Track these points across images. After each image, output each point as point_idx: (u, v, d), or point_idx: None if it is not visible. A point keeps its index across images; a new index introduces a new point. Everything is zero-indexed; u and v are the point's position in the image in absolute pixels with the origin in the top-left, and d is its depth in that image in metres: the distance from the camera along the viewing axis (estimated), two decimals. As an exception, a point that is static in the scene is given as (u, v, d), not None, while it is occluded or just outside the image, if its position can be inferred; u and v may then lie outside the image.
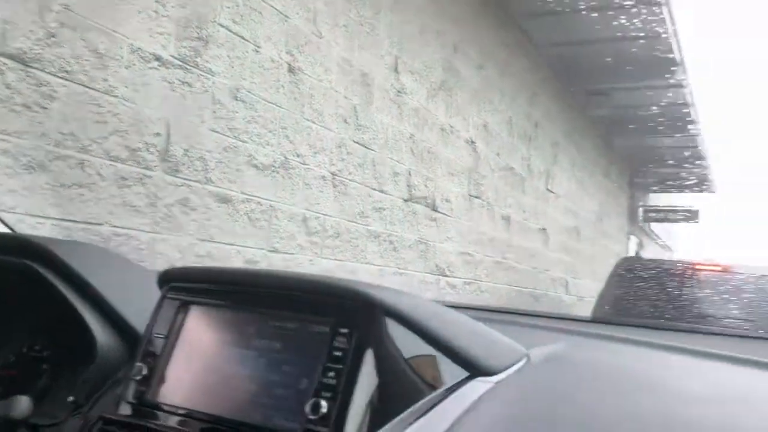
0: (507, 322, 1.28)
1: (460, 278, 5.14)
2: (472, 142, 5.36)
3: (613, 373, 0.89)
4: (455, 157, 5.04)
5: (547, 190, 7.30)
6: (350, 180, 3.67)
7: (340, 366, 0.76)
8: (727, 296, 4.21)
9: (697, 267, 4.55)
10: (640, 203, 12.67)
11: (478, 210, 5.47)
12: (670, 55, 6.97)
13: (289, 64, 3.24)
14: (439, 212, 4.78)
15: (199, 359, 0.89)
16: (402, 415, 0.71)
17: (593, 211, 9.39)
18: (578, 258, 8.62)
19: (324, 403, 0.74)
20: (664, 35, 6.48)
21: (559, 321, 1.55)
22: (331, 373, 0.76)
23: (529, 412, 0.73)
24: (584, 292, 8.80)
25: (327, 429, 0.73)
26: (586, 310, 8.94)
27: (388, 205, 4.05)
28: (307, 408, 0.74)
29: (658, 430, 0.69)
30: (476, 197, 5.43)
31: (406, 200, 4.29)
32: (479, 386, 0.76)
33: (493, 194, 5.78)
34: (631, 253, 12.67)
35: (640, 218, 12.60)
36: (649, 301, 4.26)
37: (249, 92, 3.02)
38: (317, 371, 0.77)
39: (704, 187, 13.04)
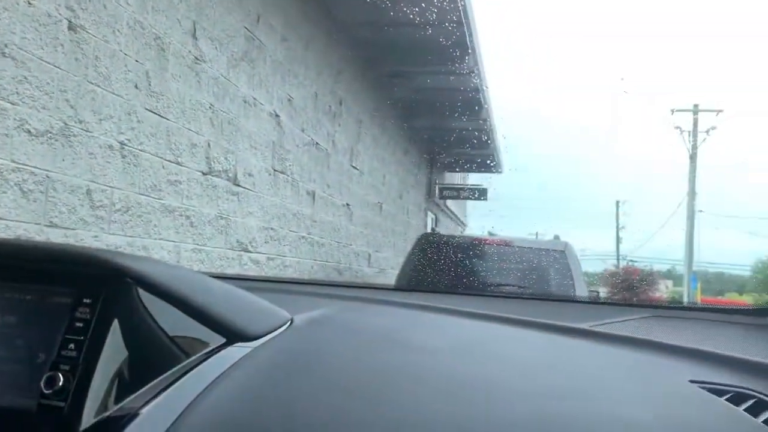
0: (283, 290, 1.30)
1: (263, 254, 5.10)
2: (276, 115, 5.30)
3: (371, 332, 0.93)
4: (258, 130, 4.95)
5: (352, 166, 7.49)
6: (141, 150, 3.43)
7: (81, 337, 0.72)
8: (505, 263, 5.03)
9: (483, 240, 5.33)
10: (437, 181, 13.55)
11: (282, 185, 5.45)
12: (465, 42, 7.48)
13: (70, 21, 2.93)
14: (241, 186, 4.67)
15: None
16: (151, 383, 0.70)
17: (394, 188, 9.83)
18: (380, 232, 9.00)
19: (61, 376, 0.70)
20: (459, 23, 6.92)
21: (334, 288, 1.59)
22: (71, 345, 0.72)
23: (286, 372, 0.74)
24: (385, 264, 9.22)
25: (64, 403, 0.69)
26: (386, 281, 9.39)
27: (185, 178, 3.87)
28: (42, 382, 0.70)
29: (401, 379, 0.74)
30: (281, 172, 5.40)
31: (204, 173, 4.13)
32: (236, 351, 0.76)
33: (298, 169, 5.79)
34: (429, 227, 13.53)
35: (437, 195, 13.47)
36: (445, 270, 4.80)
37: (20, 49, 2.67)
38: (56, 344, 0.72)
39: (493, 167, 14.30)
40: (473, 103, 10.53)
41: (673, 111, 26.29)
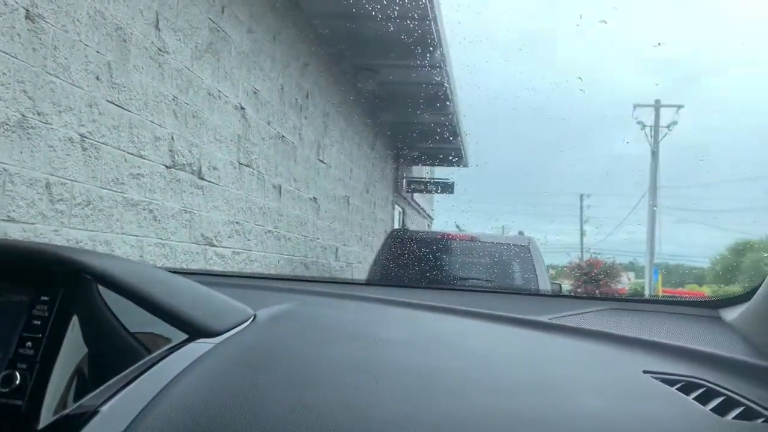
0: (248, 286, 1.29)
1: (228, 248, 5.05)
2: (242, 108, 5.25)
3: (334, 326, 0.94)
4: (223, 123, 4.90)
5: (319, 160, 7.46)
6: (103, 143, 3.37)
7: (39, 335, 0.71)
8: (472, 258, 5.28)
9: (451, 236, 5.55)
10: (404, 175, 13.59)
11: (248, 178, 5.40)
12: (431, 36, 7.50)
13: (27, 10, 2.85)
14: (205, 180, 4.62)
15: None
16: (111, 381, 0.70)
17: (361, 181, 9.83)
18: (347, 226, 8.99)
19: (18, 375, 0.69)
20: (425, 17, 6.93)
21: (299, 282, 1.60)
22: (29, 343, 0.71)
23: (248, 368, 0.74)
24: (353, 258, 9.22)
25: (21, 402, 0.68)
26: (354, 275, 9.40)
27: (148, 172, 3.81)
28: None
29: (363, 373, 0.75)
30: (246, 165, 5.35)
31: (168, 167, 4.07)
32: (198, 348, 0.77)
33: (264, 162, 5.74)
34: (397, 221, 13.57)
35: (404, 189, 13.51)
36: (415, 264, 5.01)
37: (-26, 37, 2.60)
38: (13, 342, 0.71)
39: (458, 161, 14.40)
40: (439, 98, 10.57)
41: (635, 106, 26.87)
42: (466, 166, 14.90)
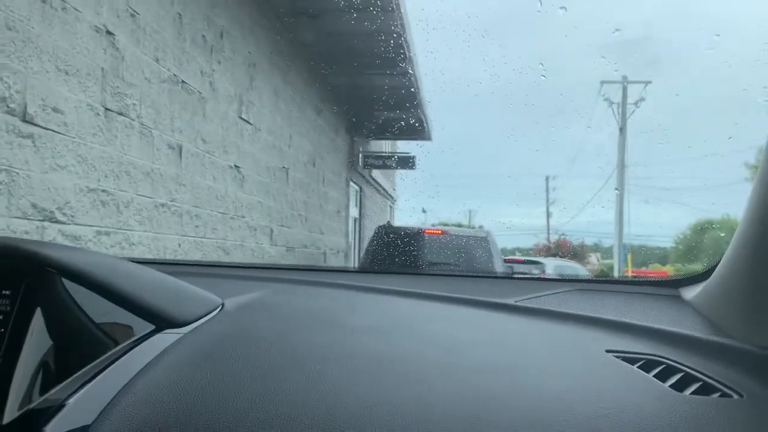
0: (216, 275, 1.29)
1: (87, 225, 3.60)
2: (109, 32, 3.77)
3: (302, 314, 0.94)
4: (73, 47, 3.42)
5: (241, 119, 6.00)
6: None
7: (1, 330, 0.72)
8: (443, 248, 6.49)
9: (426, 231, 6.83)
10: (360, 149, 12.16)
11: (122, 131, 3.93)
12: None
13: None
14: (37, 125, 3.15)
15: None
16: (77, 374, 0.70)
17: (305, 152, 8.38)
18: (287, 203, 7.56)
19: None
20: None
21: (270, 271, 1.51)
22: None
23: (216, 358, 0.74)
24: (295, 242, 7.80)
25: None
26: (296, 261, 8.00)
27: None
28: None
29: (330, 360, 0.75)
30: (118, 113, 3.89)
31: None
32: (166, 338, 0.77)
33: (151, 113, 4.28)
34: (352, 200, 12.16)
35: (360, 164, 12.10)
36: (398, 254, 6.24)
37: None
38: None
39: (420, 133, 13.02)
40: (396, 58, 9.19)
41: (602, 83, 26.11)
42: (429, 139, 13.55)
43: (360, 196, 12.91)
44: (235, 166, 5.85)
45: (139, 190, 4.15)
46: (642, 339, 0.92)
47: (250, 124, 6.22)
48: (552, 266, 12.86)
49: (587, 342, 0.91)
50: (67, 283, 0.75)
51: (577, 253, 30.30)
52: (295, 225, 7.90)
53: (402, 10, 8.07)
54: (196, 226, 5.03)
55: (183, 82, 4.76)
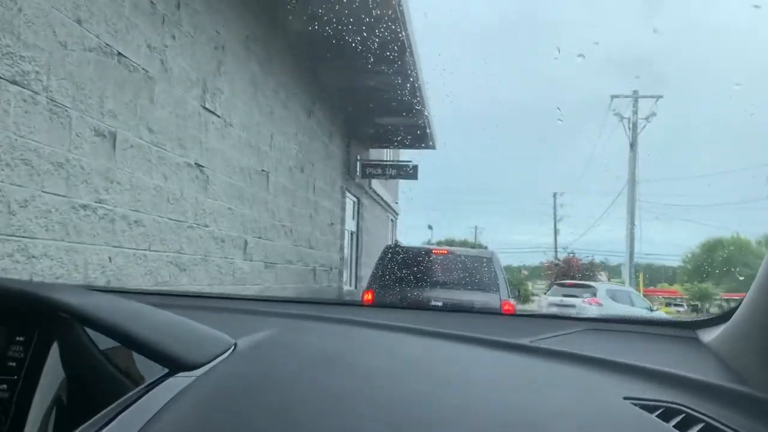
0: (221, 309, 1.27)
1: (-50, 229, 2.62)
2: (-4, -27, 2.82)
3: (316, 354, 0.91)
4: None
5: (205, 108, 5.04)
6: None
7: (14, 377, 0.73)
8: (449, 267, 6.60)
9: (433, 251, 6.99)
10: (358, 157, 11.20)
11: (18, 105, 2.97)
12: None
13: None
14: None
15: None
16: (92, 419, 0.68)
17: (290, 155, 7.41)
18: (267, 212, 6.57)
19: None
20: None
21: (278, 304, 1.51)
22: (4, 386, 0.73)
23: (230, 401, 0.73)
24: (276, 257, 6.80)
25: None
26: (279, 278, 7.00)
27: None
28: None
29: (346, 403, 0.74)
30: (11, 81, 2.92)
31: None
32: (179, 382, 0.74)
33: (68, 87, 3.32)
34: (348, 212, 11.19)
35: (358, 173, 11.13)
36: (406, 273, 6.38)
37: None
38: None
39: (424, 141, 12.06)
40: (397, 58, 8.26)
41: (612, 97, 25.21)
42: (432, 147, 12.59)
43: (358, 208, 11.92)
44: (197, 164, 4.88)
45: (46, 185, 3.17)
46: (660, 385, 0.88)
47: (217, 116, 5.26)
48: (604, 289, 12.90)
49: (605, 387, 0.88)
50: (79, 328, 0.76)
51: (586, 271, 29.36)
52: (277, 237, 6.91)
53: (406, 10, 7.16)
54: (136, 236, 4.04)
55: (120, 54, 3.80)
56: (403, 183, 17.16)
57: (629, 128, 25.39)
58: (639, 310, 12.10)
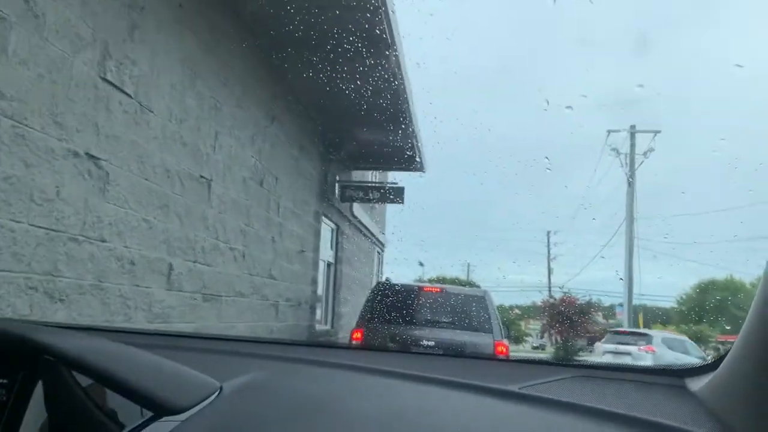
0: (207, 350, 1.26)
1: None
2: None
3: (302, 400, 0.91)
4: None
5: (106, 80, 3.72)
6: None
7: None
8: (441, 305, 6.64)
9: (425, 288, 7.05)
10: (337, 177, 9.91)
11: None
12: None
13: None
14: None
15: None
16: None
17: (245, 164, 6.09)
18: (206, 230, 5.21)
19: None
20: None
21: (264, 345, 1.52)
22: None
23: None
24: (220, 287, 5.42)
25: None
26: (221, 315, 5.61)
27: None
28: None
29: None
30: None
31: None
32: (164, 426, 0.75)
33: None
34: (326, 240, 9.84)
35: (337, 195, 9.81)
36: (396, 311, 6.37)
37: None
38: None
39: (412, 162, 10.78)
40: (381, 62, 7.07)
41: (609, 132, 24.33)
42: (422, 170, 11.32)
43: (336, 236, 10.57)
44: (88, 154, 3.55)
45: None
46: None
47: (127, 94, 3.94)
48: (660, 338, 12.94)
49: None
50: (64, 370, 0.74)
51: (583, 311, 28.10)
52: (222, 262, 5.54)
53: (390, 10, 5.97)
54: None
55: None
56: (390, 214, 15.85)
57: (626, 164, 24.46)
58: (694, 360, 11.58)
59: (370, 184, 10.49)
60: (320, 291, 9.64)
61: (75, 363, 0.74)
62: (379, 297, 6.63)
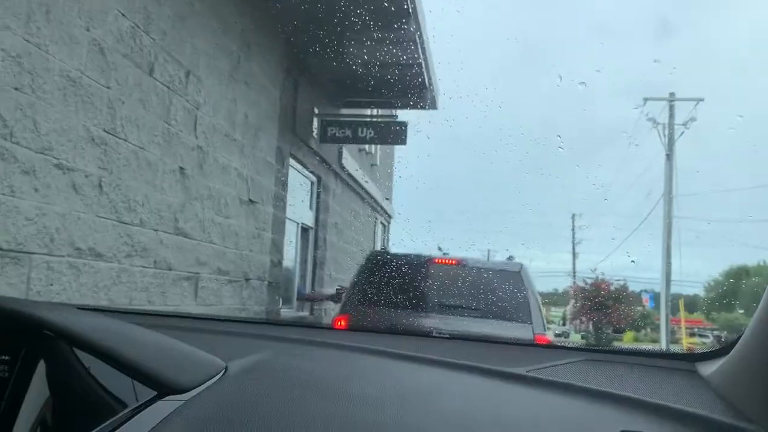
0: (212, 331, 1.27)
1: None
2: None
3: (307, 380, 0.91)
4: None
5: None
6: None
7: None
8: (458, 285, 4.86)
9: (435, 260, 5.05)
10: (316, 110, 7.23)
11: None
12: None
13: None
14: None
15: None
16: None
17: (142, 50, 3.42)
18: (12, 127, 2.57)
19: None
20: None
21: (271, 327, 1.54)
22: None
23: (219, 426, 0.72)
24: (28, 234, 2.76)
25: None
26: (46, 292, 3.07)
27: None
28: None
29: (330, 429, 0.73)
30: None
31: None
32: (167, 405, 0.73)
33: None
34: (297, 191, 7.20)
35: (315, 134, 7.14)
36: (396, 292, 4.73)
37: None
38: None
39: (421, 95, 8.04)
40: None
41: (645, 100, 21.62)
42: (434, 107, 8.58)
43: (318, 191, 7.91)
44: None
45: None
46: (658, 419, 0.87)
47: None
48: None
49: (602, 420, 0.88)
50: (66, 347, 0.73)
51: (618, 297, 25.73)
52: (49, 193, 2.92)
53: None
54: None
55: None
56: (398, 183, 13.11)
57: (664, 135, 21.70)
58: None
59: (359, 119, 7.75)
60: (291, 264, 7.03)
61: (78, 341, 0.73)
62: (372, 272, 4.98)
